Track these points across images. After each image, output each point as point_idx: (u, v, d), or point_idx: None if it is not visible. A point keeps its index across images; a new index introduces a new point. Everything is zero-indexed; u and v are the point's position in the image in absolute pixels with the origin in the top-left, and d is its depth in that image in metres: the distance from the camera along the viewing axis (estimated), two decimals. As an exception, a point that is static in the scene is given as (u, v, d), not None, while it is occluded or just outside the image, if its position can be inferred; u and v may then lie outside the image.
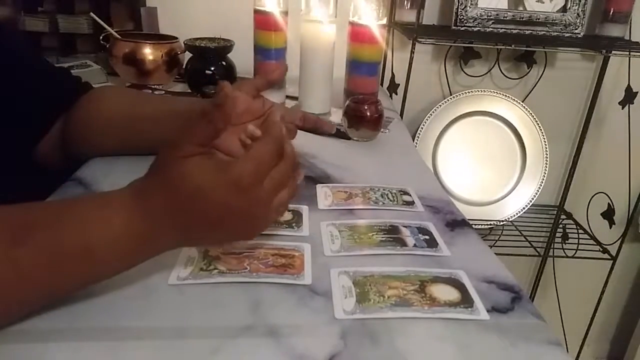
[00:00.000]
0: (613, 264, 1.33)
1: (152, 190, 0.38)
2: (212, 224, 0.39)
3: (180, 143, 0.38)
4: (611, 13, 1.16)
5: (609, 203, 1.35)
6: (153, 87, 0.97)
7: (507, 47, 1.24)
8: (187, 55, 0.97)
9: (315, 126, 0.73)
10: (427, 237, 0.52)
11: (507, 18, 1.16)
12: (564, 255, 1.37)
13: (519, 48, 1.25)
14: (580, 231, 1.36)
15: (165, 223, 0.38)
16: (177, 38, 1.03)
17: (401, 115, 1.15)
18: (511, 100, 1.26)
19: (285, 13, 0.86)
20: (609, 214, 1.35)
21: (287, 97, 0.94)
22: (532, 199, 1.30)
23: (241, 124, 0.56)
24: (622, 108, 1.28)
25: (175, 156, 0.38)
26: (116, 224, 0.37)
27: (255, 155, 0.39)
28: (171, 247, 0.41)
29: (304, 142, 0.74)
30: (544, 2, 1.17)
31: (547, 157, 1.28)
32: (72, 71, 0.70)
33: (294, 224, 0.53)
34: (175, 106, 0.64)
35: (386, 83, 1.26)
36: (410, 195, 0.62)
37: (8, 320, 0.37)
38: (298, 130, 0.62)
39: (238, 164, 0.38)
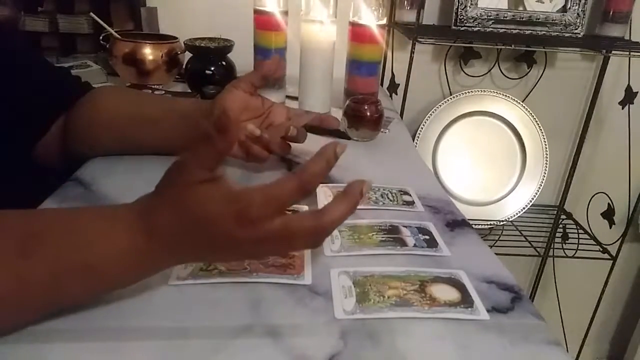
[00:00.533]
0: (613, 264, 1.33)
1: (159, 212, 0.37)
2: (216, 250, 0.38)
3: (189, 167, 0.36)
4: (611, 13, 1.16)
5: (609, 203, 1.35)
6: (153, 87, 0.97)
7: (507, 47, 1.24)
8: (187, 55, 0.98)
9: (320, 124, 0.69)
10: (427, 237, 0.52)
11: (507, 18, 1.16)
12: (564, 255, 1.37)
13: (519, 48, 1.25)
14: (580, 231, 1.36)
15: (169, 244, 0.37)
16: (177, 38, 1.03)
17: (401, 115, 1.15)
18: (511, 100, 1.26)
19: (285, 13, 0.86)
20: (609, 214, 1.35)
21: (287, 97, 0.94)
22: (532, 199, 1.30)
23: (240, 122, 0.56)
24: (622, 108, 1.28)
25: (184, 181, 0.36)
26: (120, 241, 0.37)
27: (268, 188, 0.36)
28: (172, 265, 0.42)
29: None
30: (544, 2, 1.17)
31: (547, 157, 1.28)
32: (72, 71, 0.70)
33: (294, 224, 0.53)
34: (175, 107, 0.64)
35: (386, 83, 1.26)
36: (410, 195, 0.62)
37: (8, 332, 0.36)
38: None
39: (247, 195, 0.36)
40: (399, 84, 1.23)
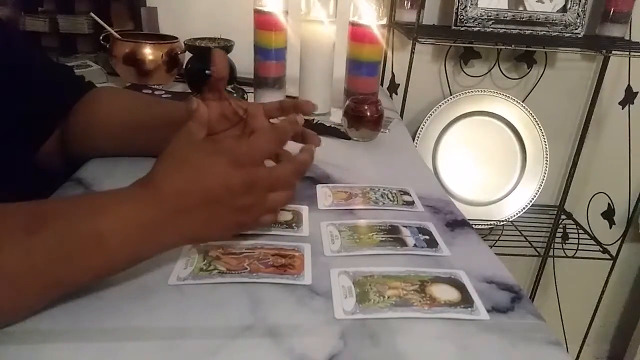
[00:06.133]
0: (613, 264, 1.33)
1: (158, 176, 0.41)
2: (212, 207, 0.41)
3: (177, 137, 0.44)
4: (611, 13, 1.16)
5: (609, 203, 1.35)
6: (153, 87, 0.97)
7: (507, 47, 1.24)
8: (187, 55, 0.98)
9: (295, 109, 0.61)
10: (427, 237, 0.52)
11: (507, 18, 1.16)
12: (564, 255, 1.37)
13: (519, 48, 1.25)
14: (580, 231, 1.36)
15: (170, 209, 0.40)
16: (177, 38, 1.03)
17: (401, 115, 1.15)
18: (511, 100, 1.26)
19: (285, 13, 0.86)
20: (609, 214, 1.35)
21: (287, 96, 0.94)
22: (532, 199, 1.30)
23: (222, 132, 0.55)
24: (622, 108, 1.28)
25: (177, 144, 0.43)
26: (127, 210, 0.39)
27: (252, 139, 0.44)
28: (177, 237, 0.42)
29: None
30: (544, 2, 1.17)
31: (547, 157, 1.28)
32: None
33: (294, 224, 0.53)
34: (166, 114, 0.63)
35: (386, 83, 1.26)
36: (410, 195, 0.62)
37: (19, 315, 0.37)
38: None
39: (236, 146, 0.43)
40: (399, 84, 1.23)
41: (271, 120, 0.60)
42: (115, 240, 0.38)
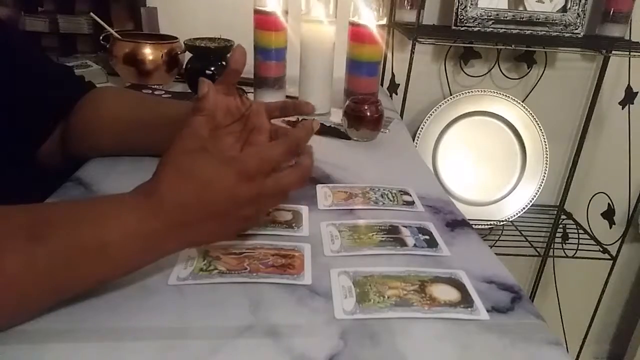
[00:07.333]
0: (613, 264, 1.33)
1: (163, 186, 0.40)
2: (218, 216, 0.41)
3: (182, 138, 0.42)
4: (611, 13, 1.17)
5: (609, 203, 1.35)
6: (153, 87, 0.97)
7: (507, 47, 1.24)
8: (187, 55, 0.97)
9: (295, 111, 0.61)
10: (427, 237, 0.52)
11: (507, 18, 1.16)
12: (564, 255, 1.37)
13: (519, 48, 1.25)
14: (580, 231, 1.36)
15: (174, 217, 0.39)
16: (177, 38, 1.03)
17: (401, 115, 1.15)
18: (511, 100, 1.26)
19: (285, 13, 0.86)
20: (609, 214, 1.35)
21: (287, 96, 0.94)
22: (532, 199, 1.30)
23: (225, 127, 0.55)
24: (622, 108, 1.28)
25: (183, 150, 0.41)
26: (130, 220, 0.38)
27: (261, 151, 0.42)
28: (180, 245, 0.42)
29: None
30: (544, 2, 1.17)
31: (547, 157, 1.28)
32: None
33: (294, 224, 0.53)
34: (170, 112, 0.63)
35: (386, 83, 1.26)
36: (410, 195, 0.62)
37: (18, 318, 0.37)
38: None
39: (244, 157, 0.42)
40: (399, 84, 1.23)
41: (272, 120, 0.60)
42: (118, 250, 0.37)
